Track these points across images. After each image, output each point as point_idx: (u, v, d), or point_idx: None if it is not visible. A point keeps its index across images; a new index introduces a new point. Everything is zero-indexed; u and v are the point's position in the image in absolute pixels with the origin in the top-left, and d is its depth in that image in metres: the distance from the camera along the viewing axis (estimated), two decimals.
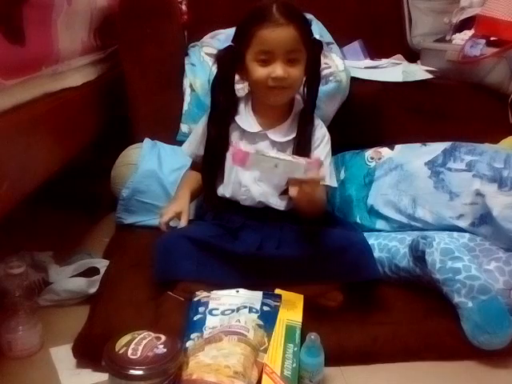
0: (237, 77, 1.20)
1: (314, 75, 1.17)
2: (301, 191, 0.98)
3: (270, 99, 1.15)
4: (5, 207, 0.88)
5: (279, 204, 1.18)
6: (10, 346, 0.99)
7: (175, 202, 1.19)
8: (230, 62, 1.15)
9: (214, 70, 1.20)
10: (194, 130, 1.29)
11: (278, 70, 1.08)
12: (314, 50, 1.14)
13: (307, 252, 1.09)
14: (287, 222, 1.17)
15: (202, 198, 1.26)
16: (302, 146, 1.17)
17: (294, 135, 1.19)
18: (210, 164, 1.21)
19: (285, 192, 1.14)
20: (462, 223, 1.24)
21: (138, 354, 0.81)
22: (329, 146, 1.22)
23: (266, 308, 1.00)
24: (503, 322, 0.99)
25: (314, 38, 1.15)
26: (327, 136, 1.23)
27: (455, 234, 1.22)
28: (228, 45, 1.17)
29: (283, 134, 1.18)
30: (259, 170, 1.04)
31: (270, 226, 1.16)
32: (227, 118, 1.20)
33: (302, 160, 0.97)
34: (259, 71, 1.10)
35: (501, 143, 1.42)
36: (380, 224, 1.34)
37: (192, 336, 0.94)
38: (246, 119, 1.19)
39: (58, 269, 1.23)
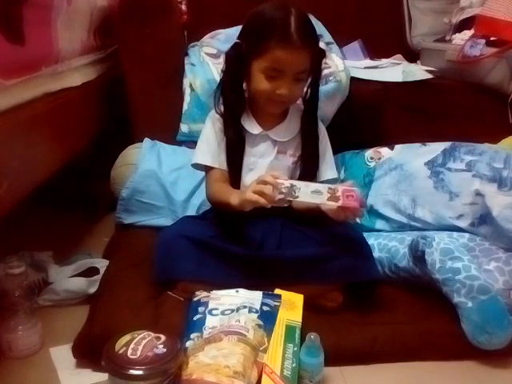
0: None
1: (315, 81, 1.18)
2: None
3: (268, 108, 1.17)
4: (5, 207, 0.88)
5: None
6: (10, 346, 0.99)
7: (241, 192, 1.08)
8: (238, 61, 1.14)
9: (218, 70, 1.18)
10: (204, 139, 1.20)
11: (284, 89, 1.10)
12: (318, 59, 1.14)
13: (307, 253, 1.09)
14: (288, 217, 1.17)
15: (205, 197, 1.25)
16: (309, 145, 1.20)
17: (294, 134, 1.20)
18: (235, 167, 1.17)
19: None
20: (462, 223, 1.24)
21: (138, 353, 0.81)
22: (328, 139, 1.26)
23: (265, 308, 1.00)
24: (503, 321, 0.99)
25: (319, 48, 1.15)
26: (324, 129, 1.27)
27: (455, 234, 1.22)
28: (235, 42, 1.15)
29: (283, 134, 1.20)
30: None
31: (272, 221, 1.16)
32: (240, 117, 1.18)
33: (333, 204, 1.01)
34: (265, 84, 1.11)
35: (501, 143, 1.42)
36: (380, 224, 1.34)
37: (192, 336, 0.94)
38: (248, 121, 1.19)
39: (58, 269, 1.23)
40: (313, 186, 1.01)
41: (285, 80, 1.09)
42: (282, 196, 1.00)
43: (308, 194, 1.00)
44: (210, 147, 1.18)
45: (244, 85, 1.18)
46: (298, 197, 1.00)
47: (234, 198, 1.05)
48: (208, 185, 1.20)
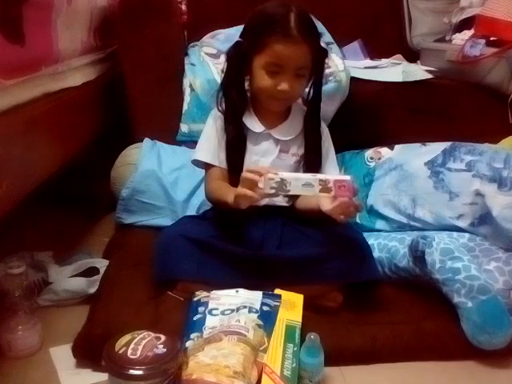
0: None
1: (317, 80, 1.18)
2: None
3: (270, 106, 1.17)
4: (5, 207, 0.88)
5: (282, 200, 1.19)
6: (10, 345, 0.99)
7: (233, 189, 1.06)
8: (239, 59, 1.14)
9: (218, 70, 1.18)
10: (205, 137, 1.21)
11: (284, 84, 1.10)
12: (319, 58, 1.15)
13: (307, 253, 1.09)
14: (289, 217, 1.18)
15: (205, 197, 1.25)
16: (312, 145, 1.21)
17: (296, 133, 1.21)
18: (236, 165, 1.17)
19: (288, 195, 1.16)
20: (462, 223, 1.24)
21: (138, 353, 0.81)
22: (330, 139, 1.26)
23: (265, 308, 1.00)
24: (503, 321, 0.99)
25: (320, 47, 1.15)
26: (327, 129, 1.27)
27: (455, 234, 1.22)
28: (237, 40, 1.16)
29: (286, 133, 1.20)
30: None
31: (272, 221, 1.16)
32: (242, 116, 1.19)
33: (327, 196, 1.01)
34: (266, 80, 1.11)
35: (501, 143, 1.42)
36: (380, 224, 1.34)
37: (192, 336, 0.94)
38: (251, 119, 1.20)
39: (58, 269, 1.23)
40: (304, 178, 1.00)
41: (285, 75, 1.10)
42: (273, 191, 1.00)
43: (299, 187, 1.00)
44: (210, 145, 1.18)
45: (246, 84, 1.18)
46: (289, 191, 1.00)
47: (230, 196, 1.05)
48: (207, 182, 1.20)
